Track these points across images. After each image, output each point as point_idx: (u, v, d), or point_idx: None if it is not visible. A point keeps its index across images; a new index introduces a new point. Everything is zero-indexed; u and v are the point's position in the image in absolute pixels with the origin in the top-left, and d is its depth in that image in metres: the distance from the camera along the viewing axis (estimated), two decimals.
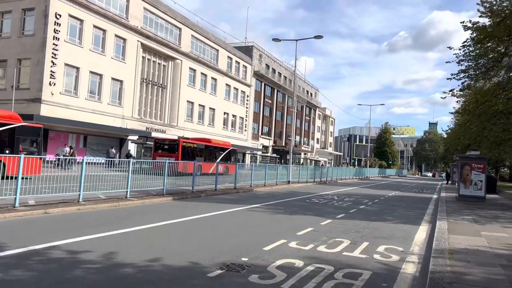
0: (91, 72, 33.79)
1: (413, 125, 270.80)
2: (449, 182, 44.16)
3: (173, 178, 16.01)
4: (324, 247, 7.65)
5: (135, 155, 36.77)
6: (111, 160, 19.02)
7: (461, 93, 20.07)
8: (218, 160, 32.64)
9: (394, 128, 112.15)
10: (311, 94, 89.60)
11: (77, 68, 32.42)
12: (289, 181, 26.40)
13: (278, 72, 71.85)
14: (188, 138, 36.70)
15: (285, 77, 74.49)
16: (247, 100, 60.79)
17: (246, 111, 60.68)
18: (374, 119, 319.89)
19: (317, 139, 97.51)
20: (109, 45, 35.27)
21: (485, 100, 17.85)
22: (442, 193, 26.62)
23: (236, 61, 57.34)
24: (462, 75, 17.32)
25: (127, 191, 12.90)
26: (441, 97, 19.11)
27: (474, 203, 19.37)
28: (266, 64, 67.08)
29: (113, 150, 35.60)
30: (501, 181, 48.24)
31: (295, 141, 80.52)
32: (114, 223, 8.92)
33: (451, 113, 19.96)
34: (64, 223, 8.63)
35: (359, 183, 37.56)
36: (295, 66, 28.35)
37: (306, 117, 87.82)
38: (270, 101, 69.29)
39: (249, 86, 60.93)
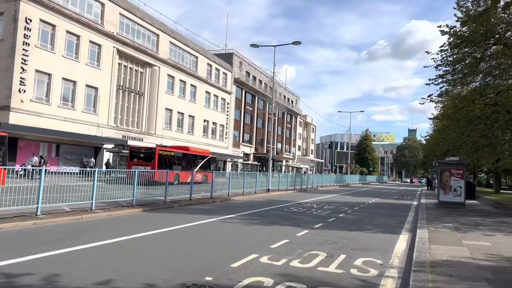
0: (64, 79, 32.70)
1: (393, 132, 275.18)
2: (429, 188, 44.38)
3: (145, 188, 15.28)
4: (298, 261, 7.07)
5: (112, 164, 35.69)
6: (84, 170, 18.20)
7: (439, 98, 19.94)
8: (196, 169, 31.94)
9: (374, 135, 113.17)
10: (292, 101, 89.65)
11: (49, 75, 31.29)
12: (268, 189, 25.84)
13: (259, 80, 71.60)
14: (166, 146, 35.81)
15: (266, 84, 74.27)
16: (228, 108, 60.20)
17: (227, 118, 60.05)
18: (355, 127, 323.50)
19: (299, 146, 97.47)
20: (83, 51, 34.27)
21: (463, 105, 17.72)
22: (422, 200, 26.45)
23: (216, 68, 56.78)
24: (440, 80, 17.13)
25: (92, 203, 12.09)
26: (420, 103, 18.99)
27: (454, 209, 19.15)
28: (246, 72, 66.75)
29: (88, 159, 34.57)
30: (479, 186, 48.75)
31: (276, 148, 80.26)
32: (69, 239, 8.15)
33: (430, 119, 19.81)
34: (12, 241, 7.83)
35: (339, 190, 37.26)
36: (274, 73, 27.96)
37: (288, 125, 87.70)
38: (251, 109, 68.86)
39: (229, 93, 60.38)
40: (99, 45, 36.10)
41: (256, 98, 70.18)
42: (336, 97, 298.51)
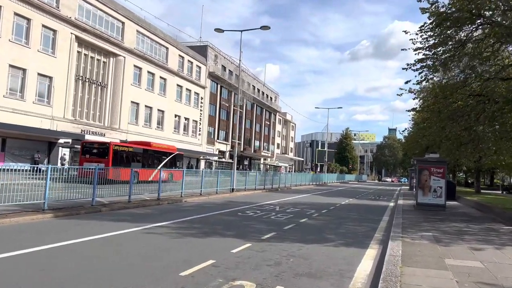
0: (12, 66, 29.56)
1: (375, 132, 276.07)
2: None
3: (75, 188, 12.66)
4: None
5: (65, 161, 32.67)
6: (37, 167, 15.54)
7: (418, 87, 17.81)
8: (159, 166, 29.26)
9: (355, 134, 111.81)
10: (271, 98, 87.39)
11: None
12: (233, 189, 23.40)
13: (236, 75, 68.96)
14: (126, 142, 33.02)
15: (243, 80, 71.71)
16: (202, 103, 57.47)
17: (201, 114, 57.34)
18: (336, 126, 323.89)
19: (278, 144, 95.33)
20: (35, 37, 31.13)
21: (444, 95, 15.60)
22: (400, 201, 24.44)
23: (188, 60, 53.98)
24: (419, 65, 14.97)
25: None
26: (397, 94, 16.81)
27: (434, 212, 17.08)
28: (222, 66, 64.09)
29: (40, 155, 31.55)
30: (458, 186, 47.35)
31: (254, 146, 77.89)
32: None
33: (408, 110, 17.63)
34: None
35: (314, 189, 35.09)
36: (240, 60, 25.47)
37: (266, 122, 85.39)
38: (227, 104, 66.25)
39: (203, 87, 57.66)
40: (54, 31, 32.99)
41: (233, 93, 67.54)
42: (319, 96, 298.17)
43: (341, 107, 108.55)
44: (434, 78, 16.49)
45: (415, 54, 15.33)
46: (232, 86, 69.69)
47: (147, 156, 30.41)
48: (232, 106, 67.34)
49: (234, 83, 66.10)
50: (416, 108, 16.50)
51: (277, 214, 14.17)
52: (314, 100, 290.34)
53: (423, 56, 14.59)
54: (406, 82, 15.05)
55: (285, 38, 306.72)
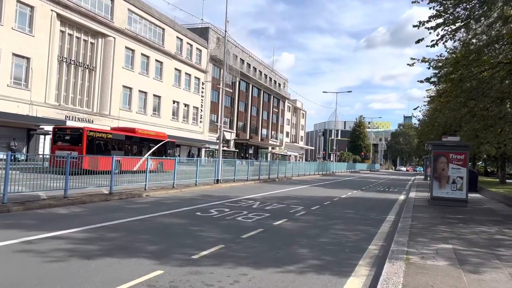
0: None
1: (391, 120, 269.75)
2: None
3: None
4: None
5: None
6: (14, 156, 12.97)
7: (435, 57, 14.30)
8: (147, 155, 26.38)
9: (369, 122, 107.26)
10: (279, 84, 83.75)
11: None
12: (217, 180, 20.31)
13: (240, 59, 65.57)
14: (115, 128, 30.24)
15: (249, 65, 68.30)
16: (203, 88, 54.36)
17: (202, 100, 54.31)
18: (351, 115, 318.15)
19: (287, 132, 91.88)
20: (7, 13, 28.34)
21: (468, 61, 12.11)
22: (412, 193, 21.07)
23: (188, 43, 50.80)
24: (434, 22, 11.54)
25: None
26: (408, 64, 13.34)
27: (453, 209, 13.74)
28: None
29: (17, 143, 28.97)
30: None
31: (261, 134, 74.65)
32: None
33: (420, 81, 13.96)
34: None
35: (317, 180, 31.81)
36: (226, 30, 22.12)
37: (274, 109, 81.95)
38: (231, 90, 62.95)
39: (204, 72, 54.48)
40: (31, 7, 30.15)
41: (238, 79, 64.22)
42: (335, 84, 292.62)
43: (351, 91, 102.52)
44: (453, 42, 13.03)
45: (430, 9, 11.94)
46: (248, 78, 66.42)
47: (131, 143, 27.48)
48: (237, 92, 64.10)
49: (238, 68, 62.78)
50: (431, 78, 13.09)
51: (250, 213, 11.03)
52: (330, 89, 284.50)
53: (438, 6, 11.15)
54: (418, 41, 11.63)
55: (301, 26, 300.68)
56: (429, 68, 14.11)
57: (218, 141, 21.99)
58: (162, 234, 7.74)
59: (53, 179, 11.60)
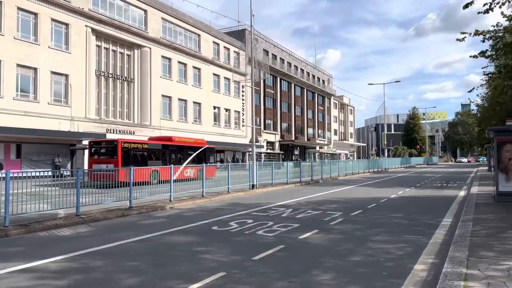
0: (20, 66, 27.46)
1: (447, 109, 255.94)
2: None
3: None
4: None
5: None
6: (57, 172, 12.90)
7: (492, 28, 12.06)
8: (186, 163, 25.66)
9: (424, 114, 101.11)
10: (323, 81, 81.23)
11: None
12: (253, 185, 18.98)
13: (280, 58, 64.08)
14: (154, 138, 29.92)
15: (289, 63, 66.62)
16: (243, 91, 53.45)
17: (243, 103, 53.39)
18: (405, 107, 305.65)
19: (335, 130, 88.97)
20: (43, 32, 28.85)
21: None
22: (474, 188, 18.55)
23: (224, 47, 50.15)
24: None
25: None
26: (458, 39, 11.28)
27: None
28: (264, 50, 59.40)
29: (61, 159, 29.39)
30: None
31: (307, 134, 72.57)
32: None
33: (473, 56, 11.83)
34: None
35: (367, 178, 29.56)
36: (252, 25, 20.74)
37: (319, 107, 79.55)
38: (272, 91, 61.65)
39: (243, 75, 53.50)
40: (66, 24, 30.60)
41: (278, 79, 62.84)
42: (385, 77, 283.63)
43: (399, 81, 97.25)
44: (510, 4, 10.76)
45: None
46: (290, 77, 64.94)
47: (169, 152, 26.89)
48: (279, 93, 62.65)
49: (278, 68, 61.35)
50: (487, 52, 10.93)
51: (275, 224, 9.55)
52: (379, 82, 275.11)
53: None
54: (466, 6, 9.59)
55: (345, 20, 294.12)
56: (483, 41, 11.93)
57: (251, 143, 20.64)
58: (157, 259, 6.48)
59: (85, 194, 11.15)
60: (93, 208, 11.54)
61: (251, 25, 20.44)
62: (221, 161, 47.30)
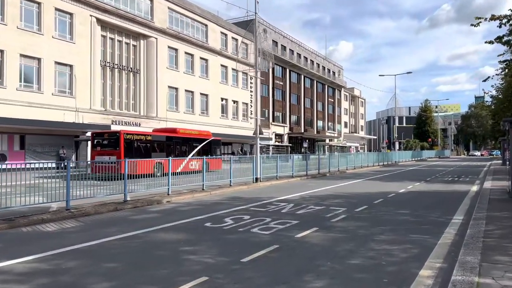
0: (23, 56, 27.14)
1: (460, 102, 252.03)
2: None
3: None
4: None
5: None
6: (61, 163, 12.65)
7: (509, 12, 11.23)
8: (191, 155, 25.23)
9: (436, 106, 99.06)
10: (334, 72, 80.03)
11: (0, 51, 25.88)
12: (256, 179, 18.42)
13: (290, 49, 63.12)
14: (160, 129, 29.47)
15: (299, 55, 65.61)
16: (251, 83, 52.68)
17: (251, 95, 52.65)
18: (417, 100, 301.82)
19: (345, 122, 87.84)
20: (47, 22, 28.46)
21: None
22: (487, 182, 17.75)
23: (232, 37, 49.38)
24: None
25: None
26: (472, 24, 10.54)
27: None
28: (273, 41, 58.54)
29: (66, 151, 29.16)
30: None
31: (317, 126, 71.67)
32: None
33: (488, 42, 11.07)
34: None
35: (376, 172, 28.80)
36: (256, 12, 20.11)
37: (330, 99, 78.47)
38: (281, 83, 60.82)
39: (252, 66, 52.62)
40: (70, 14, 30.18)
41: (288, 70, 61.94)
42: (397, 69, 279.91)
43: (410, 72, 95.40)
44: None
45: None
46: (300, 69, 63.97)
47: (173, 144, 26.44)
48: (288, 84, 61.76)
49: (288, 59, 60.40)
50: (503, 37, 10.15)
51: (273, 221, 8.98)
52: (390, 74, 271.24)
53: None
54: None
55: (357, 11, 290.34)
56: (500, 27, 11.13)
57: (255, 135, 20.05)
58: (139, 260, 5.96)
59: (79, 187, 10.71)
60: (86, 201, 11.10)
61: (255, 12, 19.75)
62: (233, 153, 46.85)
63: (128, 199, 11.98)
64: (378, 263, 5.76)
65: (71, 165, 10.76)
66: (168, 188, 13.61)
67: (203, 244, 6.91)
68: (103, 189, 11.89)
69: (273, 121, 58.01)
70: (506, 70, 17.29)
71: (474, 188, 16.84)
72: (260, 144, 51.60)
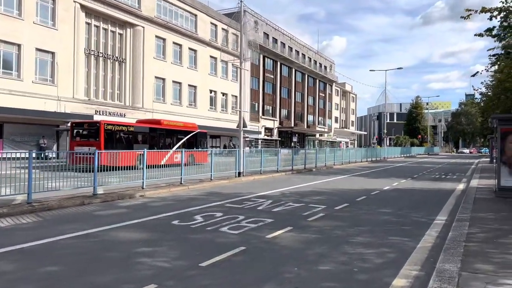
0: (2, 41, 26.20)
1: (451, 99, 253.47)
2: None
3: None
4: None
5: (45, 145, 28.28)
6: (41, 153, 12.06)
7: (501, 6, 10.74)
8: (175, 147, 24.58)
9: (427, 103, 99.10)
10: (325, 67, 79.50)
11: None
12: (239, 173, 17.87)
13: (281, 42, 62.37)
14: (139, 120, 28.74)
15: (290, 48, 64.90)
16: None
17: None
18: (409, 96, 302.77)
19: (336, 117, 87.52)
20: (27, 6, 27.46)
21: None
22: (474, 180, 17.40)
23: (223, 28, 48.43)
24: None
25: None
26: (462, 17, 10.13)
27: None
28: (264, 33, 57.76)
29: (46, 141, 28.34)
30: None
31: (307, 121, 71.20)
32: None
33: (478, 35, 10.60)
34: None
35: (363, 168, 28.42)
36: (241, 1, 19.53)
37: (321, 93, 78.00)
38: (272, 76, 60.13)
39: (237, 56, 51.85)
40: None
41: (279, 63, 61.23)
42: (390, 66, 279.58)
43: (401, 68, 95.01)
44: None
45: None
46: (291, 62, 63.26)
47: (157, 136, 25.73)
48: (278, 78, 61.10)
49: (279, 52, 59.70)
50: (493, 29, 9.67)
51: (246, 219, 8.43)
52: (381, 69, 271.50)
53: None
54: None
55: (352, 7, 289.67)
56: (491, 19, 10.65)
57: (238, 128, 19.45)
58: (85, 263, 5.37)
59: (50, 179, 10.08)
60: (54, 194, 10.44)
61: (240, 0, 19.09)
62: (225, 146, 46.21)
63: (100, 192, 11.37)
64: (349, 270, 5.24)
65: (42, 156, 10.13)
66: (143, 182, 12.98)
67: (164, 245, 6.35)
68: (75, 181, 11.24)
69: (263, 114, 57.41)
70: (496, 66, 16.84)
71: (461, 186, 16.47)
72: (249, 137, 51.08)
